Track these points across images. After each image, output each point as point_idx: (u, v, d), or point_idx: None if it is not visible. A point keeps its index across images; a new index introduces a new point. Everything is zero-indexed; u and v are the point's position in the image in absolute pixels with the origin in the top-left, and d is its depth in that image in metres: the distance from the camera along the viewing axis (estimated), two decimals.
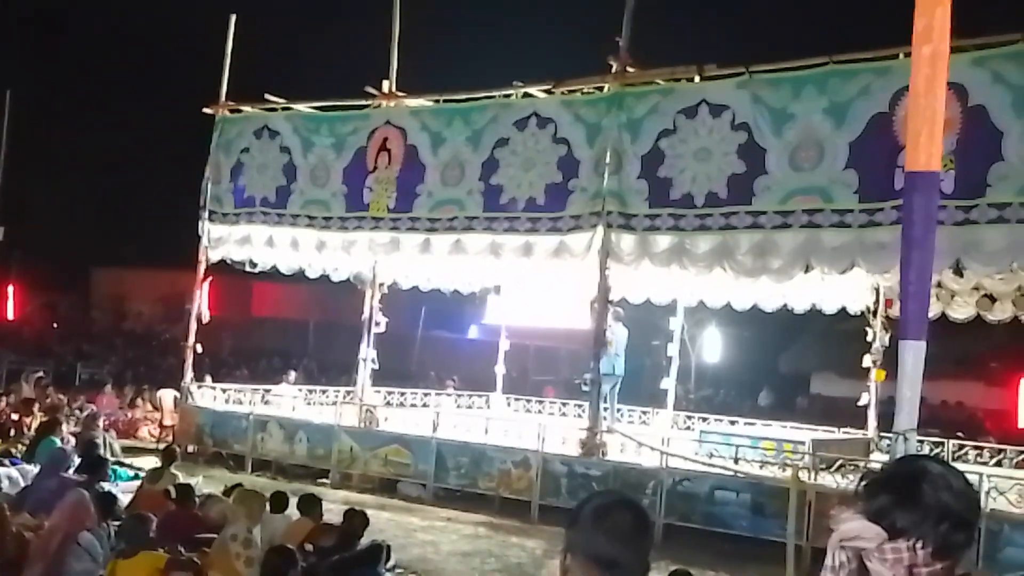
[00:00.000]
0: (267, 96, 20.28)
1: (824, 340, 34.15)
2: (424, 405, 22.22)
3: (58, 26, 49.40)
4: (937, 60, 8.12)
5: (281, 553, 8.11)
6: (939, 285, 17.46)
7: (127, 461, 16.90)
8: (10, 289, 39.60)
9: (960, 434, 21.18)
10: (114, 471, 15.30)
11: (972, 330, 20.00)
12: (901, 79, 12.08)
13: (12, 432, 18.25)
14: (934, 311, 17.30)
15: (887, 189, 12.87)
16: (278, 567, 7.79)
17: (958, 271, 13.84)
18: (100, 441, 16.70)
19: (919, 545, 2.46)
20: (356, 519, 10.76)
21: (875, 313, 19.30)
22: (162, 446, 17.16)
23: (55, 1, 49.69)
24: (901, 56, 12.71)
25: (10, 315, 39.86)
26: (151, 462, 14.68)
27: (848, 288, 18.64)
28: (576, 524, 2.80)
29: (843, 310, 20.08)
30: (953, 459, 17.73)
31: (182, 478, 13.60)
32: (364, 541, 10.42)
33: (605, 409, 17.73)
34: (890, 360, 12.23)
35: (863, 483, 2.64)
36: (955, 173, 12.45)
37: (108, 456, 15.25)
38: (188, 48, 33.63)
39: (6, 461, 15.25)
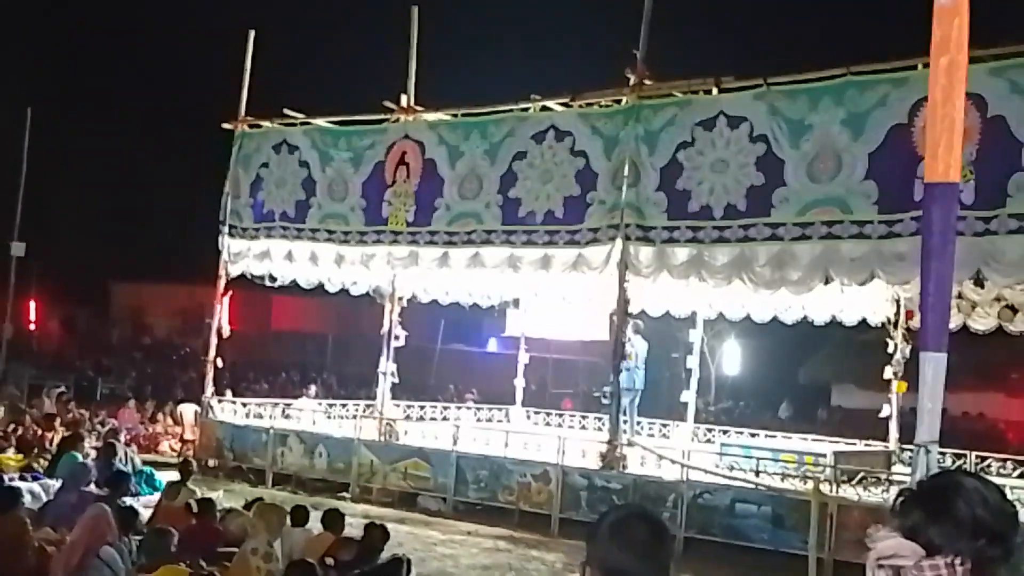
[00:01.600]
0: (286, 111, 20.37)
1: (844, 352, 34.00)
2: (444, 418, 22.21)
3: (77, 44, 49.71)
4: (955, 71, 8.09)
5: (301, 567, 8.10)
6: (960, 296, 17.37)
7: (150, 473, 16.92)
8: (31, 304, 39.83)
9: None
10: (146, 475, 15.36)
11: (993, 341, 19.86)
12: (919, 90, 12.05)
13: (34, 447, 18.31)
14: (955, 322, 17.21)
15: (906, 200, 12.82)
16: None
17: (979, 282, 13.79)
18: (121, 455, 16.73)
19: (957, 561, 2.44)
20: (376, 533, 10.76)
21: (896, 324, 19.21)
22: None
23: (74, 19, 50.01)
24: (919, 67, 12.70)
25: (31, 329, 40.11)
26: (172, 477, 14.70)
27: (868, 299, 18.57)
28: (595, 538, 2.81)
29: (863, 321, 19.97)
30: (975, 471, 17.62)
31: (202, 492, 13.63)
32: (384, 555, 10.41)
33: (625, 422, 17.74)
34: (911, 372, 12.19)
35: (898, 499, 2.62)
36: (975, 184, 12.41)
37: (129, 470, 15.29)
38: (207, 64, 33.88)
39: (28, 476, 15.32)
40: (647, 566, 2.75)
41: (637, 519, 2.84)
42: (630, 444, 16.57)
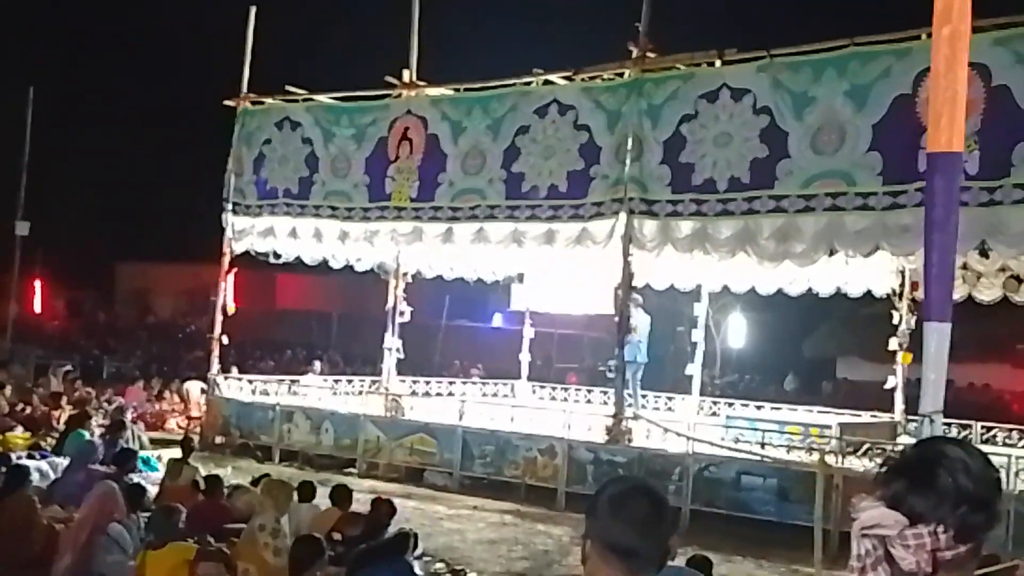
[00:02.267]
0: (288, 88, 20.36)
1: (850, 324, 33.96)
2: (449, 394, 22.27)
3: (79, 22, 49.62)
4: (957, 40, 8.08)
5: (308, 542, 8.15)
6: (964, 267, 17.38)
7: (156, 453, 17.02)
8: (36, 284, 39.93)
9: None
10: (146, 460, 15.45)
11: (999, 312, 19.86)
12: (923, 60, 11.99)
13: (41, 426, 18.40)
14: (960, 293, 17.23)
15: (911, 171, 12.81)
16: (305, 557, 7.83)
17: (983, 252, 13.76)
18: (128, 433, 16.82)
19: (940, 529, 2.46)
20: (383, 508, 10.82)
21: (901, 296, 19.20)
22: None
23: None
24: (923, 37, 12.65)
25: (36, 310, 40.21)
26: (178, 454, 14.79)
27: (873, 271, 18.55)
28: (594, 511, 2.80)
29: (868, 293, 19.96)
30: (981, 441, 17.68)
31: (210, 469, 13.72)
32: (391, 530, 10.47)
33: (629, 395, 17.82)
34: (916, 343, 12.19)
35: (882, 469, 2.64)
36: (979, 154, 12.40)
37: (136, 448, 15.37)
38: (209, 41, 33.76)
39: (36, 454, 15.40)
40: (647, 541, 2.76)
41: (637, 493, 2.84)
42: (635, 417, 16.65)
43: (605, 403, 19.83)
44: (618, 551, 2.73)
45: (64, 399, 20.47)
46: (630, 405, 18.45)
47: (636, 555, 2.73)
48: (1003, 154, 12.41)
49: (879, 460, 13.85)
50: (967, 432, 18.30)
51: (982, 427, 18.91)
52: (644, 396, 20.19)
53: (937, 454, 2.55)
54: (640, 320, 18.31)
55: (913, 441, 8.88)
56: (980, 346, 29.37)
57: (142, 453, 16.26)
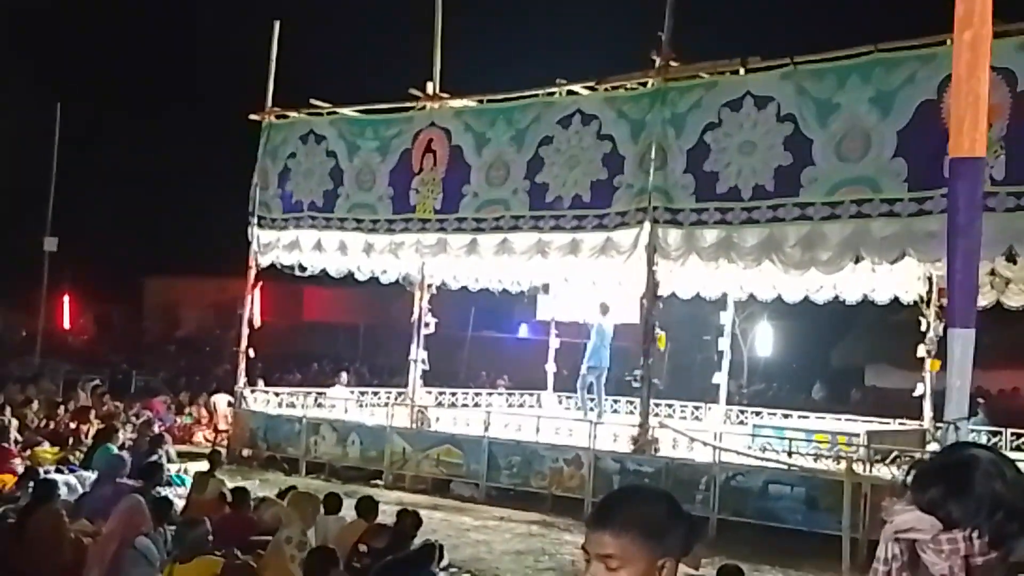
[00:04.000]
0: (312, 101, 20.43)
1: (877, 331, 33.75)
2: (475, 405, 22.25)
3: (105, 39, 50.01)
4: (979, 45, 8.03)
5: (322, 553, 8.16)
6: (992, 273, 17.23)
7: (184, 466, 17.05)
8: (64, 300, 40.19)
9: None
10: (179, 477, 15.49)
11: None
12: (948, 66, 11.84)
13: (70, 440, 18.49)
14: (988, 300, 17.11)
15: (937, 177, 12.68)
16: (319, 568, 7.84)
17: (1011, 258, 13.66)
18: (157, 449, 16.87)
19: (974, 535, 2.44)
20: (408, 519, 10.81)
21: (928, 302, 19.06)
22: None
23: (101, 15, 50.26)
24: (948, 43, 12.54)
25: (66, 325, 40.47)
26: (206, 467, 14.82)
27: (900, 278, 18.45)
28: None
29: (896, 300, 19.84)
30: (1010, 448, 17.52)
31: (236, 482, 13.73)
32: (416, 541, 10.45)
33: (591, 399, 19.67)
34: (945, 350, 12.08)
35: (912, 474, 2.60)
36: (1005, 159, 12.30)
37: (164, 462, 15.41)
38: (233, 56, 33.98)
39: (64, 468, 15.46)
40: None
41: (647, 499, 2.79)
42: (600, 422, 17.13)
43: (631, 412, 19.78)
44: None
45: (92, 413, 20.55)
46: (592, 409, 19.08)
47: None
48: None
49: (906, 467, 13.77)
50: (997, 439, 18.13)
51: (1012, 433, 18.73)
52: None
53: (971, 459, 2.53)
54: (604, 327, 19.74)
55: (937, 448, 8.79)
56: (1010, 352, 29.16)
57: (169, 469, 16.31)
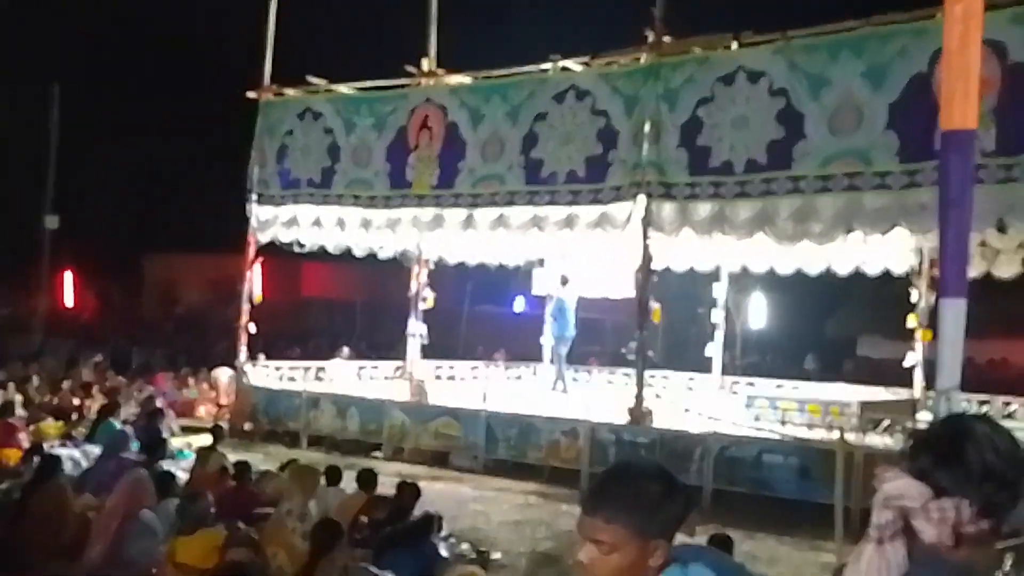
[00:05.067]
0: (309, 79, 20.37)
1: (869, 303, 33.86)
2: (473, 378, 22.29)
3: (102, 17, 49.69)
4: (970, 18, 8.01)
5: (328, 527, 8.19)
6: (983, 244, 17.24)
7: (187, 440, 17.09)
8: (66, 277, 40.15)
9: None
10: (181, 452, 15.54)
11: (1018, 288, 19.74)
12: (939, 39, 11.84)
13: (73, 415, 18.51)
14: (979, 270, 17.12)
15: (928, 149, 12.69)
16: (325, 540, 7.87)
17: (1002, 229, 13.65)
18: (163, 421, 16.92)
19: (964, 504, 2.44)
20: (408, 491, 10.84)
21: (920, 274, 19.11)
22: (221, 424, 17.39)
23: None
24: (939, 15, 12.50)
25: (68, 302, 40.44)
26: (208, 441, 14.85)
27: (892, 250, 18.48)
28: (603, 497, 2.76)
29: (887, 272, 19.90)
30: (1001, 417, 17.58)
31: (239, 455, 13.76)
32: (417, 512, 10.49)
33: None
34: (936, 320, 12.10)
35: (908, 442, 2.62)
36: (995, 131, 12.29)
37: (167, 436, 15.45)
38: (231, 33, 33.82)
39: (69, 443, 15.48)
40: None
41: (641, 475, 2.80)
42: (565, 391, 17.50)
43: (626, 385, 19.83)
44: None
45: (95, 388, 20.57)
46: (561, 382, 19.35)
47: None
48: (1020, 130, 12.31)
49: (900, 437, 13.82)
50: (987, 407, 18.20)
51: (1002, 402, 18.80)
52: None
53: (965, 430, 2.54)
54: (566, 297, 20.37)
55: (933, 418, 8.83)
56: (1000, 322, 29.24)
57: (173, 443, 16.36)
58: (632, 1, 17.18)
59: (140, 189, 48.70)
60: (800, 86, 14.24)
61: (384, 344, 32.23)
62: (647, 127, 15.60)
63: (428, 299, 20.18)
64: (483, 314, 39.38)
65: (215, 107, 34.65)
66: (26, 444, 15.01)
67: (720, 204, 14.96)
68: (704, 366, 21.67)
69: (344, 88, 20.08)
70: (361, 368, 22.64)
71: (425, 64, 18.95)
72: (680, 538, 2.81)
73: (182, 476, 12.51)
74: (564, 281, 20.67)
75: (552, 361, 21.07)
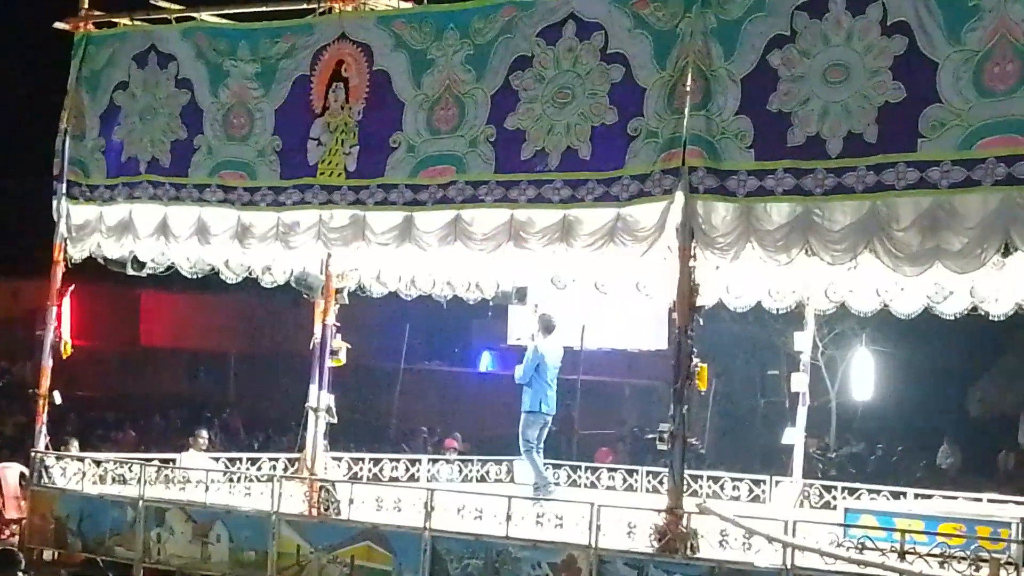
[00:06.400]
0: (152, 1, 20.33)
1: None
2: (411, 478, 22.23)
3: None
4: None
5: None
6: None
7: None
8: None
9: None
10: None
11: None
12: None
13: None
14: None
15: None
16: None
17: None
18: None
19: None
20: None
21: None
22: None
23: None
24: None
25: None
26: None
27: None
28: None
29: None
30: None
31: None
32: None
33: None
34: None
35: None
36: None
37: None
38: None
39: None
40: None
41: None
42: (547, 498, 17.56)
43: (654, 490, 19.82)
44: None
45: None
46: (537, 485, 19.46)
47: None
48: None
49: None
50: None
51: None
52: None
53: None
54: (548, 351, 20.48)
55: None
56: None
57: None
58: None
59: None
60: (929, 17, 14.15)
61: (270, 421, 32.19)
62: (689, 82, 15.63)
63: (340, 352, 20.09)
64: (429, 377, 39.44)
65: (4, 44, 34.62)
66: None
67: (805, 204, 14.95)
68: (778, 462, 21.71)
69: (209, 15, 20.07)
70: (232, 463, 22.53)
71: None
72: None
73: None
74: (547, 326, 20.55)
75: (522, 451, 21.03)
